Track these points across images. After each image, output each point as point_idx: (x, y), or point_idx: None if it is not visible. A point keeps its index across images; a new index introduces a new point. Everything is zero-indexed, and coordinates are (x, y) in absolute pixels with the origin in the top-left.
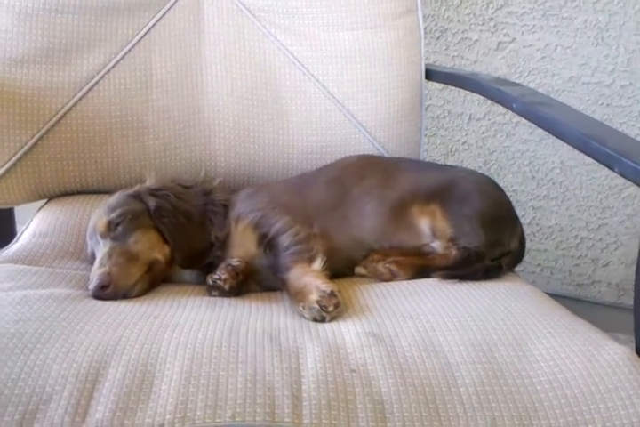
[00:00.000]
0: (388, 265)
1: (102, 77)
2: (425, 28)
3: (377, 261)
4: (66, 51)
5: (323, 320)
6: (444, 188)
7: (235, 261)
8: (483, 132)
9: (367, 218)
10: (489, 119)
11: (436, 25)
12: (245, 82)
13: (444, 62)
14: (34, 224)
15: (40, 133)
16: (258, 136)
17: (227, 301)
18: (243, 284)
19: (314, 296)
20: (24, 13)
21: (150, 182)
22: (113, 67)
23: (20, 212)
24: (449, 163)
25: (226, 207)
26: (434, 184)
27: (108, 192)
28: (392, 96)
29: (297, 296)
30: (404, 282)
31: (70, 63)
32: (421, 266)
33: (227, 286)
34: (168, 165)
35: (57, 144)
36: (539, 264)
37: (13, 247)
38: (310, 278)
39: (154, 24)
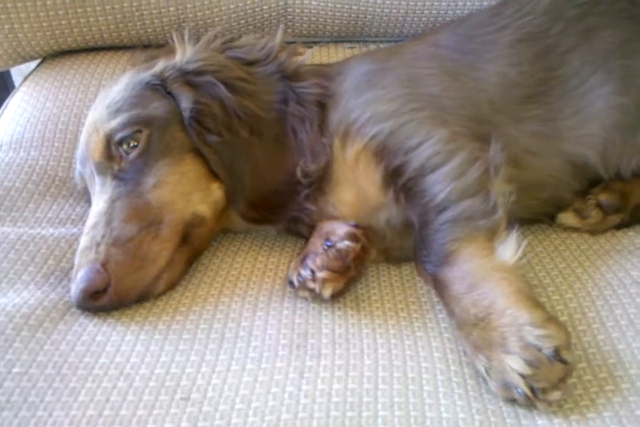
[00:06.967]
0: None
1: None
2: None
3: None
4: None
5: (527, 407)
6: None
7: (343, 237)
8: None
9: (594, 118)
10: None
11: None
12: None
13: None
14: (6, 121)
15: None
16: None
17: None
18: (354, 280)
19: (513, 361)
20: None
21: (184, 50)
22: None
23: None
24: None
25: (322, 107)
26: None
27: (122, 48)
28: None
29: (468, 332)
30: None
31: None
32: None
33: (326, 293)
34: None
35: None
36: None
37: None
38: (499, 292)
39: None
